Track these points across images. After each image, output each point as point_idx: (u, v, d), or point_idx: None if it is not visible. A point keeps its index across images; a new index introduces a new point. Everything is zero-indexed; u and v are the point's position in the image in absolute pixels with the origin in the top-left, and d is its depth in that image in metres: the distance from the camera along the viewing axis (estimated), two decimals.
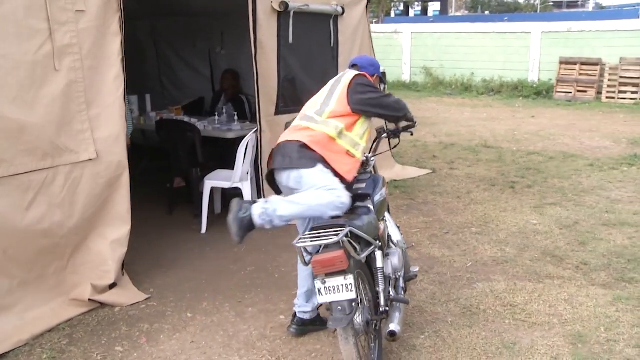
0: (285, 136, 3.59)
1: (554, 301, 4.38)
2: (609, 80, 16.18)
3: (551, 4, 62.49)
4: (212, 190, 6.11)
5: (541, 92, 16.98)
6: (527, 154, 9.49)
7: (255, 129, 5.92)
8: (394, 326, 3.30)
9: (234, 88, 7.89)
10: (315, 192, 3.28)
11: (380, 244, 3.48)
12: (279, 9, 5.87)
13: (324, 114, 3.56)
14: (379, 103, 3.67)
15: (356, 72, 3.77)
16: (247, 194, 5.98)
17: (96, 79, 4.00)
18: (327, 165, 3.36)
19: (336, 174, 3.36)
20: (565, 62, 16.82)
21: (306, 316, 3.90)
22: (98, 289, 4.11)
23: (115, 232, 4.14)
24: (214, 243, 5.71)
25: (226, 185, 6.02)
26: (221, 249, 5.56)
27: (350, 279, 3.03)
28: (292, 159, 3.39)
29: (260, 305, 4.43)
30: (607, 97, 16.14)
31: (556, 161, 8.96)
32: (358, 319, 3.18)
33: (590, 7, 62.35)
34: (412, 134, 4.27)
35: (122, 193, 4.15)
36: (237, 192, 5.86)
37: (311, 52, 6.48)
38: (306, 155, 3.36)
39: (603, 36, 16.58)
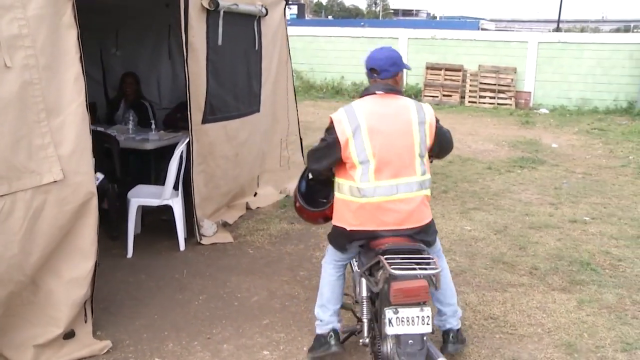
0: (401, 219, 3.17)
1: (528, 310, 4.40)
2: (470, 85, 17.17)
3: (391, 11, 65.92)
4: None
5: (410, 96, 17.48)
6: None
7: (187, 140, 5.38)
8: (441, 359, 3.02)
9: (135, 93, 7.22)
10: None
11: None
12: (208, 7, 5.38)
13: (427, 171, 3.26)
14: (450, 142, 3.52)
15: (429, 106, 3.35)
16: (179, 212, 5.44)
17: (54, 81, 3.24)
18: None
19: None
20: (431, 67, 17.59)
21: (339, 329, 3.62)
22: (42, 341, 3.38)
23: (73, 270, 3.45)
24: (146, 269, 5.11)
25: (155, 202, 5.44)
26: (157, 275, 4.98)
27: (427, 311, 2.82)
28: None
29: (234, 341, 3.97)
30: (469, 102, 17.12)
31: (456, 165, 9.23)
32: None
33: (423, 16, 66.55)
34: None
35: (90, 222, 3.46)
36: (156, 209, 5.33)
37: (238, 55, 6.06)
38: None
39: (463, 44, 17.58)
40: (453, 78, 17.40)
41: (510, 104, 16.82)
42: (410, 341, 2.81)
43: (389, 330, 2.83)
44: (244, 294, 4.63)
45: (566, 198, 7.47)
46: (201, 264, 5.18)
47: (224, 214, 6.15)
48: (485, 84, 17.09)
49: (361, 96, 3.36)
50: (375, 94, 3.30)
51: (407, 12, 70.82)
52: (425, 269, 2.82)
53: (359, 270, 3.35)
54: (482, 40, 17.55)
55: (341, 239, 3.33)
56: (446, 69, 17.46)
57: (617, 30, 53.52)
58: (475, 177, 8.44)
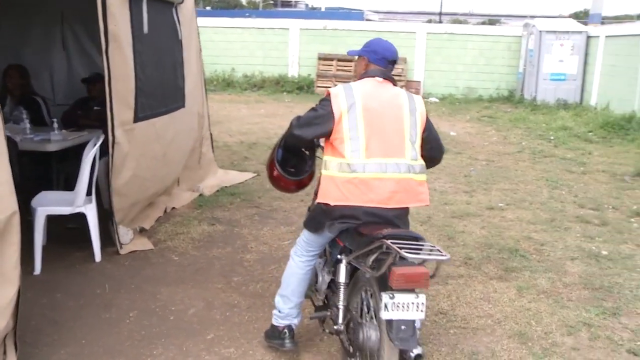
0: (387, 197, 3.16)
1: (474, 301, 4.40)
2: None
3: (271, 2, 65.59)
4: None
5: (303, 87, 17.54)
6: None
7: (101, 140, 4.88)
8: (419, 348, 2.88)
9: (22, 88, 6.53)
10: None
11: None
12: None
13: (418, 158, 3.26)
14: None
15: (421, 100, 3.40)
16: (93, 219, 4.94)
17: None
18: None
19: None
20: (323, 58, 17.60)
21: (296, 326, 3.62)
22: None
23: None
24: (60, 286, 4.56)
25: (66, 211, 4.89)
26: (75, 292, 4.46)
27: (422, 298, 2.85)
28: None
29: None
30: None
31: None
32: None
33: (302, 7, 66.88)
34: None
35: (12, 241, 2.96)
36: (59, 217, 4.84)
37: (162, 46, 5.59)
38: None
39: (354, 35, 17.70)
40: (345, 68, 17.49)
41: None
42: (403, 327, 2.81)
43: (384, 315, 2.80)
44: (178, 307, 4.26)
45: (477, 185, 7.66)
46: (124, 276, 4.73)
47: (140, 218, 5.68)
48: None
49: (360, 79, 3.39)
50: (374, 77, 3.34)
51: (286, 3, 70.73)
52: (431, 254, 2.82)
53: (340, 257, 3.33)
54: (373, 30, 17.77)
55: (322, 216, 3.29)
56: (338, 60, 17.52)
57: (484, 23, 56.54)
58: None
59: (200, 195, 6.79)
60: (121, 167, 5.00)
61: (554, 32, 15.56)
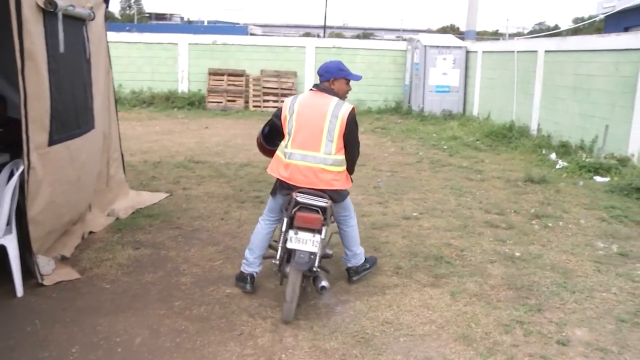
0: (301, 179, 4.35)
1: (415, 309, 4.59)
2: (253, 90, 17.42)
3: (147, 15, 63.97)
4: None
5: (194, 103, 17.29)
6: (240, 166, 9.59)
7: (21, 169, 4.60)
8: (324, 282, 4.39)
9: None
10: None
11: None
12: (46, 8, 4.62)
13: (332, 153, 4.34)
14: (358, 147, 4.59)
15: (349, 108, 4.35)
16: (14, 252, 4.64)
17: None
18: None
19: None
20: (213, 73, 17.47)
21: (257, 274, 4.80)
22: None
23: None
24: None
25: None
26: (2, 332, 4.15)
27: (317, 237, 4.13)
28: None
29: None
30: (254, 106, 17.37)
31: None
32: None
33: (177, 20, 65.86)
34: None
35: None
36: None
37: (74, 64, 5.34)
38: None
39: (244, 49, 17.76)
40: (236, 83, 17.48)
41: None
42: (301, 255, 4.10)
43: (289, 245, 4.12)
44: (123, 337, 4.10)
45: (389, 196, 7.96)
46: (54, 309, 4.47)
47: (57, 247, 5.39)
48: (268, 88, 17.47)
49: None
50: (311, 90, 4.51)
51: (160, 16, 69.19)
52: (319, 201, 4.20)
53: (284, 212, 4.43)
54: (263, 45, 17.91)
55: (276, 186, 4.57)
56: (229, 75, 17.47)
57: (357, 36, 58.57)
58: None
59: (117, 219, 6.54)
60: (36, 193, 4.71)
61: (437, 47, 16.49)
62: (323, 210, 4.20)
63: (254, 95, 17.45)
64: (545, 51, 12.78)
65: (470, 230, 6.57)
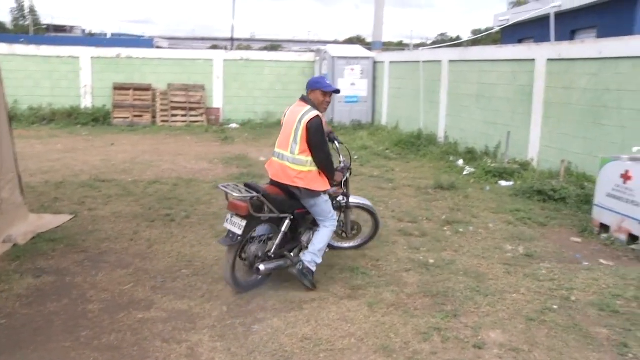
0: (274, 174, 5.12)
1: (333, 323, 4.54)
2: (161, 104, 17.00)
3: (44, 27, 61.22)
4: None
5: (98, 119, 16.66)
6: (149, 184, 9.27)
7: None
8: (262, 265, 4.95)
9: None
10: None
11: (290, 216, 5.07)
12: None
13: (296, 153, 4.94)
14: (324, 152, 5.00)
15: (312, 115, 4.86)
16: None
17: None
18: None
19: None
20: (119, 87, 16.91)
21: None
22: None
23: None
24: None
25: None
26: None
27: (243, 223, 4.77)
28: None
29: None
30: (162, 121, 16.94)
31: (182, 187, 9.04)
32: (252, 248, 5.00)
33: (78, 32, 63.54)
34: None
35: None
36: None
37: None
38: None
39: (150, 63, 17.31)
40: (143, 98, 17.01)
41: (203, 121, 17.14)
42: (230, 235, 4.83)
43: (224, 225, 4.92)
44: None
45: None
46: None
47: None
48: (176, 102, 17.11)
49: None
50: (298, 100, 5.13)
51: (59, 28, 66.39)
52: (245, 194, 4.78)
53: None
54: (170, 58, 17.54)
55: None
56: (135, 89, 16.97)
57: (265, 48, 58.61)
58: (208, 199, 8.38)
59: (14, 245, 6.12)
60: None
61: (345, 57, 16.71)
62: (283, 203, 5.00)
63: (161, 110, 17.02)
64: (449, 61, 13.21)
65: (384, 239, 6.63)
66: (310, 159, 4.93)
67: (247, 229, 4.81)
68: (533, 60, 10.31)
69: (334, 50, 17.07)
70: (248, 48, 57.95)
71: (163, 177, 9.73)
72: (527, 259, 6.09)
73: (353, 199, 5.92)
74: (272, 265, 5.03)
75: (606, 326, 4.54)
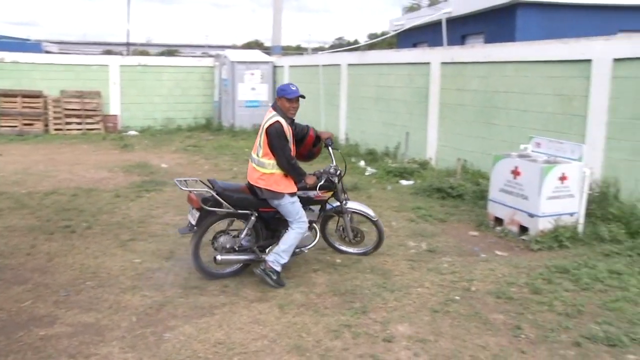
0: (247, 174, 5.53)
1: (245, 326, 4.56)
2: (54, 112, 16.25)
3: None
4: None
5: None
6: (45, 195, 8.86)
7: None
8: (219, 256, 5.43)
9: None
10: None
11: (254, 214, 5.43)
12: None
13: (260, 155, 5.31)
14: (284, 156, 5.23)
15: (272, 121, 5.17)
16: None
17: None
18: None
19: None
20: (4, 94, 15.99)
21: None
22: None
23: None
24: None
25: None
26: None
27: (197, 215, 5.30)
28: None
29: None
30: (55, 129, 16.21)
31: (82, 197, 8.72)
32: (221, 239, 5.50)
33: None
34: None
35: None
36: None
37: None
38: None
39: (40, 68, 16.52)
40: (33, 105, 16.20)
41: (100, 129, 16.57)
42: (188, 224, 5.41)
43: (188, 216, 5.45)
44: None
45: None
46: None
47: None
48: (70, 109, 16.44)
49: None
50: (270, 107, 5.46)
51: None
52: (201, 190, 5.32)
53: None
54: (62, 64, 16.80)
55: None
56: (23, 96, 16.13)
57: (162, 53, 57.31)
58: (110, 207, 8.13)
59: None
60: None
61: (245, 62, 16.68)
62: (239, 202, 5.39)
63: (54, 118, 16.25)
64: (348, 64, 13.52)
65: None
66: (272, 161, 5.23)
67: (201, 221, 5.29)
68: (428, 63, 10.76)
69: (233, 55, 17.00)
70: (145, 53, 56.31)
71: (60, 188, 9.33)
72: (429, 254, 6.36)
73: (351, 205, 6.04)
74: (230, 257, 5.43)
75: (502, 312, 4.83)
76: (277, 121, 5.18)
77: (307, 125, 5.85)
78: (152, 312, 4.81)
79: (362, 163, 11.41)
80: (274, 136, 5.17)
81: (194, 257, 5.41)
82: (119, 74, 17.04)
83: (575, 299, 5.03)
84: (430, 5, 23.27)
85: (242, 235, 5.48)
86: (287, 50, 40.41)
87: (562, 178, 6.61)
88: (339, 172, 5.84)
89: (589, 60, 7.64)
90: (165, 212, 7.96)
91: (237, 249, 5.47)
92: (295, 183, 5.39)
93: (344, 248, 6.26)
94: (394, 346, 4.26)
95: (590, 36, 7.96)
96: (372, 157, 11.71)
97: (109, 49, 57.55)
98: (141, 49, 67.07)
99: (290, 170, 5.29)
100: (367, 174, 10.60)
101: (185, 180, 5.46)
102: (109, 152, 13.37)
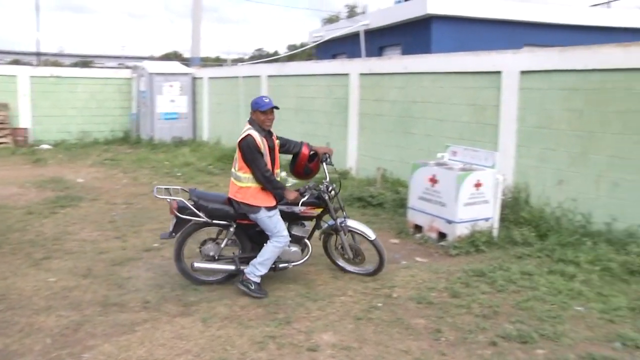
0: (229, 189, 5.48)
1: (168, 342, 4.46)
2: None
3: None
4: None
5: None
6: None
7: None
8: (195, 263, 5.55)
9: None
10: None
11: (232, 224, 5.50)
12: None
13: (237, 169, 5.39)
14: (258, 168, 5.22)
15: (244, 135, 5.20)
16: None
17: None
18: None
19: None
20: None
21: None
22: None
23: None
24: None
25: None
26: None
27: (174, 221, 5.45)
28: None
29: None
30: None
31: None
32: (206, 246, 5.64)
33: None
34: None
35: None
36: None
37: None
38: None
39: None
40: None
41: (8, 142, 15.84)
42: (168, 230, 5.55)
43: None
44: None
45: (126, 229, 7.65)
46: None
47: None
48: None
49: None
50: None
51: None
52: (175, 199, 5.45)
53: None
54: None
55: None
56: None
57: (76, 64, 55.42)
58: (22, 225, 7.78)
59: None
60: None
61: (163, 74, 16.39)
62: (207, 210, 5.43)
63: None
64: (268, 76, 13.54)
65: None
66: (249, 175, 5.26)
67: (178, 227, 5.43)
68: (347, 74, 10.94)
69: (151, 67, 16.68)
70: (57, 63, 54.20)
71: None
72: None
73: (349, 223, 5.81)
74: (206, 265, 5.54)
75: (423, 316, 4.95)
76: (249, 134, 5.19)
77: (301, 142, 5.82)
78: (68, 332, 4.63)
79: (283, 174, 11.41)
80: (246, 150, 5.20)
81: (176, 261, 5.59)
82: (29, 85, 16.33)
83: (491, 300, 5.22)
84: (348, 17, 23.68)
85: (222, 245, 5.57)
86: (207, 62, 40.01)
87: (477, 185, 6.87)
88: (330, 189, 5.72)
89: (499, 72, 8.00)
90: (82, 228, 7.70)
91: (216, 257, 5.56)
92: (275, 197, 5.36)
93: (348, 267, 6.05)
94: (318, 355, 4.28)
95: (500, 49, 8.34)
96: None
97: (17, 58, 55.08)
98: (53, 59, 64.63)
99: (265, 183, 5.26)
100: (288, 184, 10.60)
101: (167, 189, 5.56)
102: (19, 167, 12.79)
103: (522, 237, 6.77)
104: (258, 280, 5.39)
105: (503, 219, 7.18)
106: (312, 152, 5.83)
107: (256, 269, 5.37)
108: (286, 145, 5.72)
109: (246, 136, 5.21)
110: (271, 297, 5.36)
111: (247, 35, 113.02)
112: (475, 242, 6.70)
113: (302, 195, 5.54)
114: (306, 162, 5.81)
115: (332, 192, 5.73)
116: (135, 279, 5.83)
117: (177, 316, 4.94)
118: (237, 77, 14.65)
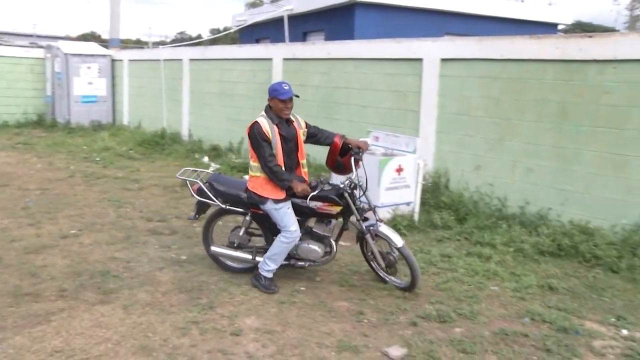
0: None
1: (87, 331, 4.32)
2: None
3: None
4: None
5: None
6: None
7: None
8: (212, 247, 5.58)
9: None
10: None
11: (246, 212, 5.36)
12: None
13: (249, 160, 5.20)
14: (262, 157, 4.98)
15: (252, 123, 5.04)
16: None
17: None
18: None
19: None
20: None
21: None
22: None
23: None
24: None
25: None
26: None
27: (195, 202, 5.56)
28: None
29: None
30: None
31: None
32: (232, 232, 5.63)
33: None
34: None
35: None
36: None
37: None
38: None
39: None
40: None
41: None
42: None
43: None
44: None
45: (41, 216, 7.34)
46: None
47: None
48: None
49: None
50: None
51: None
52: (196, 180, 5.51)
53: None
54: None
55: None
56: None
57: None
58: None
59: None
60: None
61: (80, 55, 15.75)
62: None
63: None
64: (190, 59, 13.27)
65: (134, 240, 6.48)
66: (257, 164, 5.06)
67: (198, 210, 5.60)
68: (270, 59, 10.87)
69: (67, 47, 15.97)
70: None
71: None
72: None
73: (375, 227, 5.16)
74: (222, 250, 5.51)
75: (346, 299, 5.03)
76: (256, 122, 5.01)
77: (334, 133, 5.42)
78: None
79: (205, 159, 11.27)
80: (252, 138, 5.02)
81: (205, 244, 5.70)
82: None
83: None
84: (272, 2, 23.50)
85: (240, 233, 5.50)
86: (127, 44, 38.77)
87: (399, 170, 7.01)
88: (353, 186, 5.12)
89: (420, 60, 8.16)
90: None
91: (236, 245, 5.48)
92: (286, 190, 5.02)
93: (387, 277, 5.39)
94: (242, 339, 4.27)
95: (421, 37, 8.51)
96: (216, 152, 11.61)
97: None
98: None
99: (269, 173, 4.96)
100: (210, 169, 10.48)
101: (194, 170, 5.73)
102: None
103: (442, 221, 6.98)
104: (269, 275, 5.19)
105: (424, 203, 7.37)
106: (346, 145, 5.33)
107: (265, 264, 5.18)
108: (317, 136, 5.38)
109: (253, 123, 5.03)
110: (194, 282, 5.30)
111: (169, 18, 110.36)
112: (397, 226, 6.84)
113: (312, 188, 5.02)
114: (337, 156, 5.36)
115: (356, 191, 5.14)
116: (50, 267, 5.61)
117: (97, 304, 4.80)
118: (158, 60, 14.27)
